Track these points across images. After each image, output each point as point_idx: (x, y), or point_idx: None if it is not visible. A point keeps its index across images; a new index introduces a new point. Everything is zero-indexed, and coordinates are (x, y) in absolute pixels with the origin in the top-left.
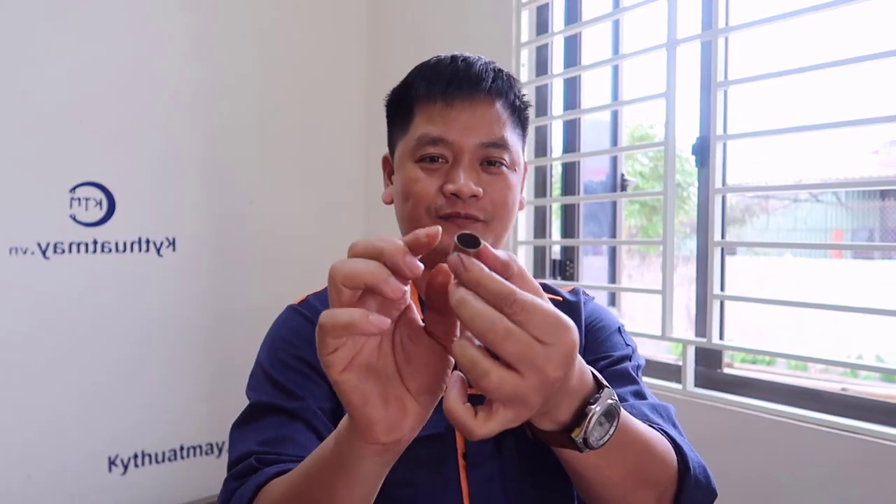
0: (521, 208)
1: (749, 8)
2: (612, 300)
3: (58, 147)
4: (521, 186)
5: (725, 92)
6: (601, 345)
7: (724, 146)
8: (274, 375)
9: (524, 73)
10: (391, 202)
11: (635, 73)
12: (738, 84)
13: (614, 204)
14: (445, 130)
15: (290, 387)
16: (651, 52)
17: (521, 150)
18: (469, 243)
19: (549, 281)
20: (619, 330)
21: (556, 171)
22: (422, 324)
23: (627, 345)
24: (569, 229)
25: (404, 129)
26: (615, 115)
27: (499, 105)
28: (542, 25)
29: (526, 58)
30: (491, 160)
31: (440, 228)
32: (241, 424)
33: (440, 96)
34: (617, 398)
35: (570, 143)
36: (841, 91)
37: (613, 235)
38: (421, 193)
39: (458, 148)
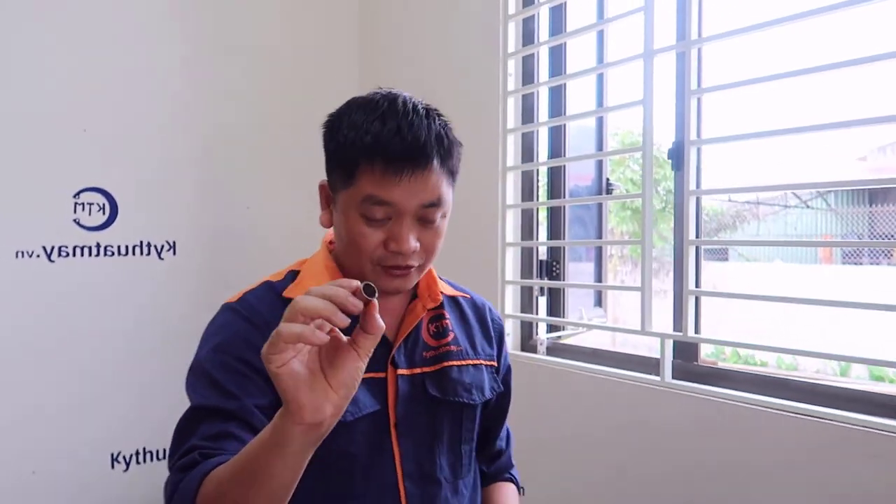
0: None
1: (721, 20)
2: (599, 301)
3: (62, 154)
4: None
5: (699, 99)
6: (505, 376)
7: (697, 150)
8: (215, 376)
9: (511, 83)
10: (330, 226)
11: (620, 81)
12: (711, 92)
13: (600, 209)
14: (390, 195)
15: (230, 388)
16: (629, 62)
17: (451, 196)
18: (371, 293)
19: (537, 281)
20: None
21: (544, 177)
22: (344, 339)
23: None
24: (555, 232)
25: (348, 180)
26: (600, 122)
27: (438, 170)
28: (528, 36)
29: (513, 67)
30: (428, 218)
31: (359, 284)
32: (185, 425)
33: (388, 167)
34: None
35: (556, 149)
36: (818, 97)
37: (599, 239)
38: (365, 247)
39: (401, 209)
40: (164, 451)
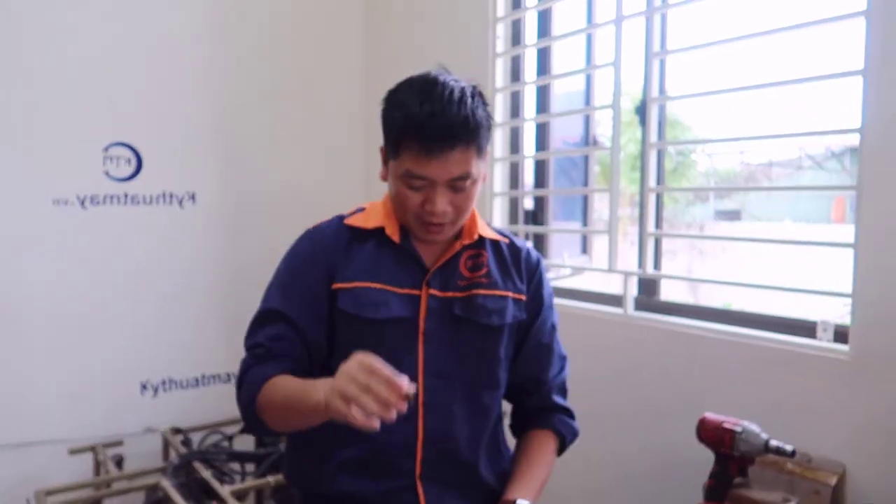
0: (483, 181)
1: None
2: (584, 248)
3: (93, 112)
4: (481, 177)
5: (662, 61)
6: (544, 303)
7: (660, 107)
8: (283, 285)
9: (500, 45)
10: (386, 180)
11: (608, 43)
12: (672, 54)
13: (586, 165)
14: (424, 171)
15: (292, 294)
16: (603, 26)
17: (482, 165)
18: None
19: (521, 227)
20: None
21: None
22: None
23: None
24: (540, 183)
25: (394, 153)
26: (589, 83)
27: (465, 149)
28: (516, 1)
29: (501, 31)
30: (458, 187)
31: (409, 392)
32: (256, 322)
33: (422, 148)
34: None
35: (542, 107)
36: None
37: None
38: (408, 206)
39: (434, 181)
40: (187, 380)
